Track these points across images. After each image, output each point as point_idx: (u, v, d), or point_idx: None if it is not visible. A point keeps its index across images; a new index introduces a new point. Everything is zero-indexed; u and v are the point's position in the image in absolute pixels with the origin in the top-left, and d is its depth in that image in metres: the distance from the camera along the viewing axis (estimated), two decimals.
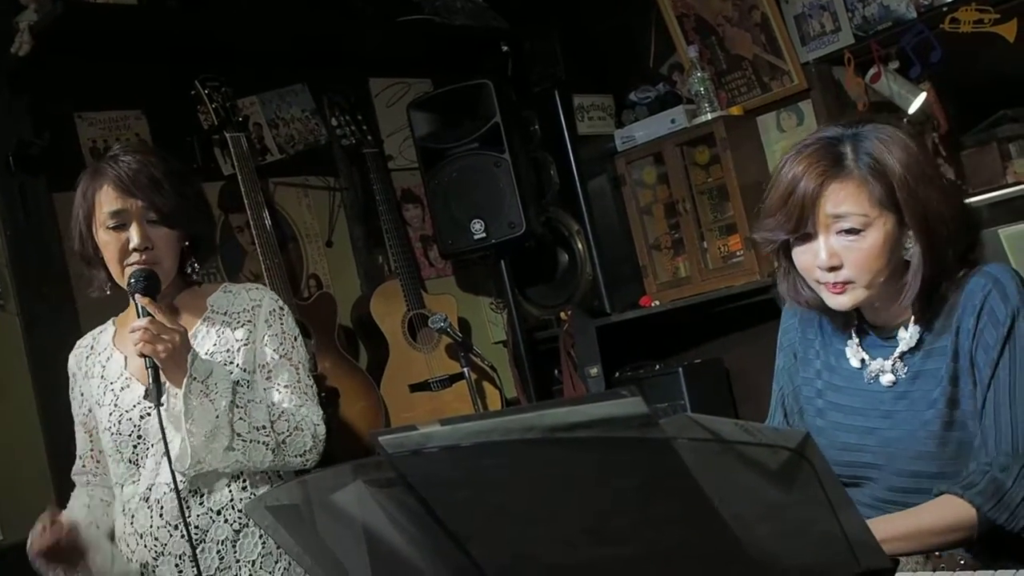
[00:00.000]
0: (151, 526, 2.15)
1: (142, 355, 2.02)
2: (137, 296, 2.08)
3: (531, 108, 4.46)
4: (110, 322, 2.41)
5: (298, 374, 2.27)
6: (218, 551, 2.14)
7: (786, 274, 1.84)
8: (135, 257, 2.14)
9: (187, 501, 2.14)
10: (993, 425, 1.63)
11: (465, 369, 3.87)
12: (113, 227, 2.16)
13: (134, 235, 2.14)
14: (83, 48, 3.57)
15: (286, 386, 2.25)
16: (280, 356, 2.26)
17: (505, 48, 4.50)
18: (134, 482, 2.20)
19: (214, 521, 2.15)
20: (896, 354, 1.76)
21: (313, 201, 4.26)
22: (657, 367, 4.30)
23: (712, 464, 0.87)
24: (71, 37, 3.47)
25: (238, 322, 2.26)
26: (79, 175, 2.30)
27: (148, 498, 2.16)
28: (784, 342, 1.98)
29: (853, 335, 1.83)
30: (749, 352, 4.24)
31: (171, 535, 2.14)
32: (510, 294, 4.34)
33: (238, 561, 2.15)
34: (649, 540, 0.96)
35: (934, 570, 1.57)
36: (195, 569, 2.09)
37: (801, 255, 1.74)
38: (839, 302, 1.72)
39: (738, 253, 4.11)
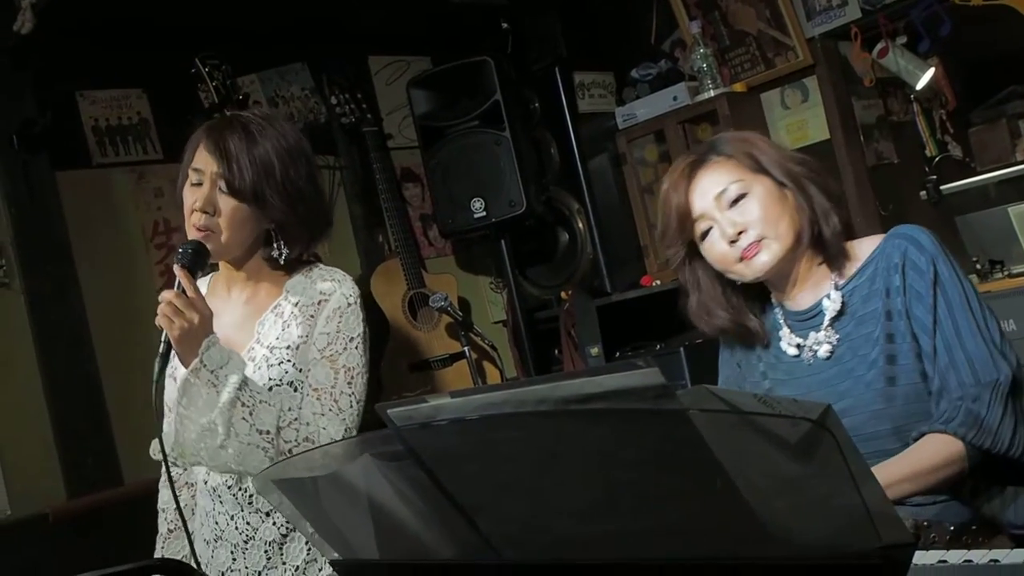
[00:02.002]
0: (212, 509, 2.13)
1: (158, 326, 1.96)
2: (176, 267, 2.00)
3: (531, 86, 4.43)
4: (207, 279, 2.30)
5: (335, 378, 2.08)
6: (265, 551, 2.11)
7: (696, 291, 1.94)
8: (195, 218, 2.06)
9: (237, 498, 2.11)
10: (950, 364, 1.72)
11: (465, 348, 3.86)
12: (193, 183, 2.08)
13: (199, 196, 2.06)
14: (85, 26, 3.56)
15: (315, 389, 2.08)
16: (323, 356, 2.09)
17: (505, 25, 4.47)
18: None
19: (263, 522, 2.11)
20: (826, 323, 1.84)
21: None
22: (658, 347, 4.27)
23: (729, 436, 0.85)
24: (73, 15, 3.45)
25: (303, 316, 2.12)
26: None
27: (207, 482, 2.14)
28: (725, 354, 2.06)
29: (783, 325, 1.91)
30: None
31: (228, 524, 2.11)
32: (510, 274, 4.32)
33: (284, 563, 2.11)
34: (663, 514, 0.94)
35: (924, 540, 1.59)
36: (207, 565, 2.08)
37: (710, 250, 1.86)
38: (758, 263, 1.82)
39: None
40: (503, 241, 4.30)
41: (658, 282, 4.28)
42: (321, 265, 2.22)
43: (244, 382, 1.99)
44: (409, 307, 4.10)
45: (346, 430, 2.07)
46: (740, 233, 1.80)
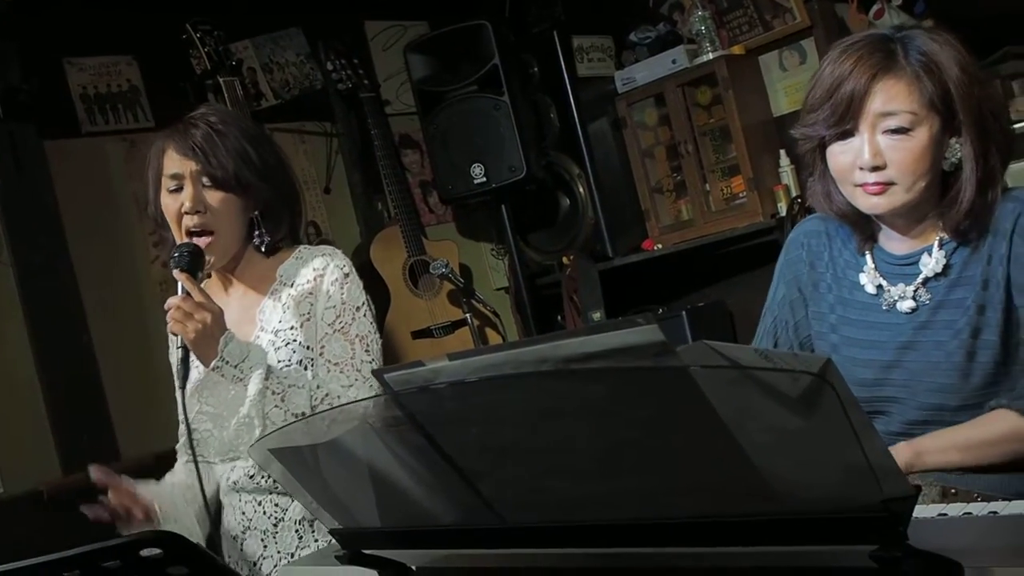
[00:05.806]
0: (240, 499, 2.14)
1: (172, 333, 1.97)
2: (175, 272, 2.00)
3: (530, 50, 4.39)
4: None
5: (352, 349, 2.10)
6: (296, 530, 2.11)
7: (820, 178, 1.77)
8: (187, 221, 2.05)
9: (261, 485, 2.11)
10: None
11: (467, 315, 3.85)
12: (172, 190, 2.08)
13: (186, 198, 2.05)
14: None
15: (336, 363, 2.09)
16: (335, 330, 2.10)
17: None
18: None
19: (292, 500, 2.10)
20: (919, 280, 1.71)
21: (310, 147, 4.22)
22: (660, 311, 4.27)
23: (730, 392, 0.84)
24: None
25: (301, 294, 2.13)
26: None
27: (228, 478, 2.14)
28: (787, 274, 1.90)
29: (868, 260, 1.77)
30: (753, 294, 4.17)
31: (255, 510, 2.12)
32: (511, 239, 4.31)
33: (316, 541, 2.11)
34: (666, 472, 0.93)
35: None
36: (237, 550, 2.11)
37: (839, 155, 1.68)
38: (875, 203, 1.66)
39: (741, 195, 4.08)
40: (504, 207, 4.28)
41: (660, 246, 4.27)
42: (305, 246, 2.23)
43: (268, 371, 2.01)
44: (410, 274, 4.08)
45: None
46: (876, 168, 1.63)
